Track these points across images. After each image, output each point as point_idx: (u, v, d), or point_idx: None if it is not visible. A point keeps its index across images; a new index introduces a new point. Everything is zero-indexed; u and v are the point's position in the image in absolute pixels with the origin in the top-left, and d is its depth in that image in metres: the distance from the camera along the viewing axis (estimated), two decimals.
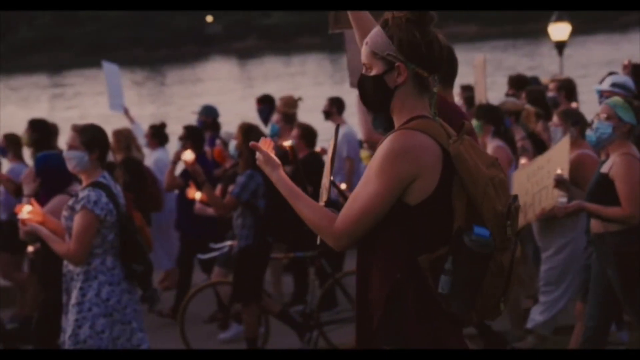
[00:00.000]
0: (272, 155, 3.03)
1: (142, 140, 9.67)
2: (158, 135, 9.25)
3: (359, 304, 2.90)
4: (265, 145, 3.08)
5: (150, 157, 9.38)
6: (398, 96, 2.88)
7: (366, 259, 2.88)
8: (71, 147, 5.08)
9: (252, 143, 3.10)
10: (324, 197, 3.04)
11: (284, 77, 43.86)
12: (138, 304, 5.26)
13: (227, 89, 38.11)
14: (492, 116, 7.07)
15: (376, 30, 2.90)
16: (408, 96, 2.88)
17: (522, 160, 6.78)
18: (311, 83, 38.55)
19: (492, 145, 6.98)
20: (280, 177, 2.98)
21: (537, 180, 6.18)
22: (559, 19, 18.59)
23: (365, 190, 2.79)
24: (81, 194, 5.06)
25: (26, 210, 5.15)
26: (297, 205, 2.91)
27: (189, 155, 6.92)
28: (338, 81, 41.87)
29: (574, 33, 19.54)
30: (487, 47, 44.25)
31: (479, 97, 8.12)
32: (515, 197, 2.85)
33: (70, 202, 5.11)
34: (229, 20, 67.73)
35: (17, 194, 7.97)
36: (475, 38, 54.51)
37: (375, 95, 2.91)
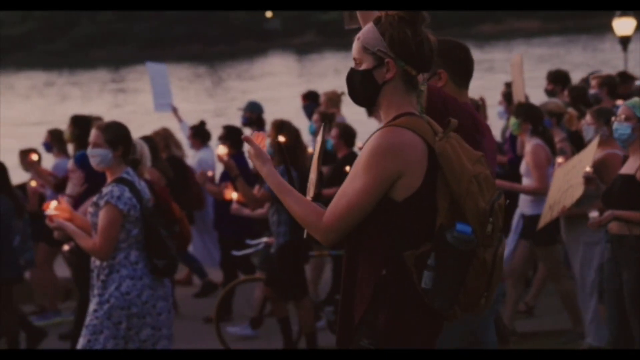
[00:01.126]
0: (263, 149, 3.08)
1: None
2: (199, 134, 9.29)
3: (344, 299, 2.94)
4: (258, 140, 3.13)
5: (194, 158, 9.43)
6: (385, 92, 2.94)
7: (353, 254, 2.92)
8: (95, 144, 5.18)
9: (244, 136, 3.17)
10: (310, 192, 3.08)
11: (343, 72, 43.77)
12: (163, 300, 5.31)
13: (285, 85, 38.18)
14: (531, 115, 7.05)
15: (369, 27, 2.96)
16: (395, 92, 2.94)
17: (559, 160, 6.75)
18: None
19: (530, 144, 6.97)
20: (270, 172, 3.02)
21: (568, 178, 6.24)
22: (624, 13, 18.25)
23: (352, 186, 2.85)
24: (105, 190, 5.16)
25: (53, 207, 5.23)
26: (286, 200, 2.96)
27: (222, 150, 7.03)
28: None
29: (639, 28, 19.15)
30: (548, 43, 43.78)
31: (517, 96, 8.07)
32: (500, 194, 2.89)
33: (95, 199, 5.21)
34: (288, 15, 67.86)
35: (58, 188, 8.05)
36: (537, 34, 53.87)
37: (363, 90, 2.97)
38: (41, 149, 9.14)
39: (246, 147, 3.18)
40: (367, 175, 2.82)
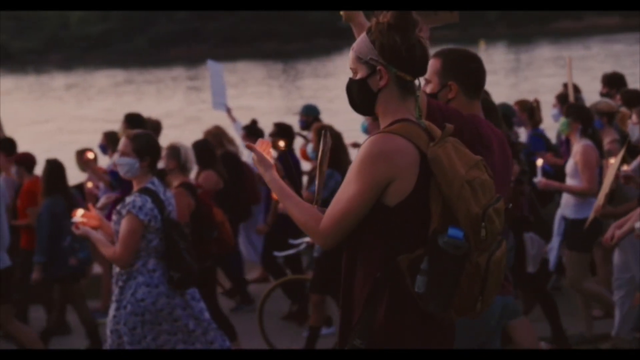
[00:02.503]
0: (266, 155, 3.16)
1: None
2: (252, 133, 9.30)
3: (343, 301, 3.01)
4: (263, 146, 3.21)
5: (248, 158, 9.44)
6: (381, 99, 3.00)
7: (351, 257, 2.99)
8: (123, 153, 5.26)
9: (247, 144, 3.28)
10: (317, 198, 3.18)
11: None
12: (181, 309, 5.38)
13: None
14: (581, 115, 7.00)
15: (362, 36, 3.02)
16: (391, 99, 2.99)
17: (611, 160, 6.65)
18: None
19: (580, 144, 6.91)
20: (273, 177, 3.11)
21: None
22: None
23: (346, 191, 2.92)
24: (128, 199, 5.25)
25: (79, 214, 5.29)
26: (287, 204, 3.06)
27: (282, 143, 6.94)
28: None
29: None
30: (630, 39, 42.69)
31: (570, 97, 7.94)
32: (499, 198, 2.91)
33: (118, 207, 5.30)
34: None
35: (114, 188, 8.17)
36: (617, 30, 52.74)
37: (360, 99, 3.04)
38: (98, 151, 9.24)
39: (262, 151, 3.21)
40: (359, 181, 2.88)
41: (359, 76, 3.03)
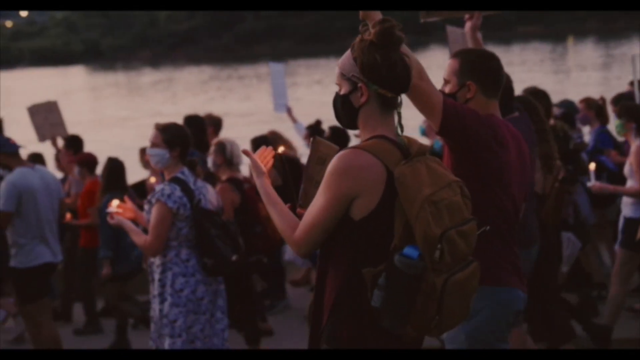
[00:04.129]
0: (260, 163, 3.30)
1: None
2: (316, 133, 9.26)
3: (315, 307, 3.09)
4: (266, 153, 3.37)
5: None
6: (362, 115, 3.06)
7: (323, 266, 3.07)
8: (153, 144, 5.35)
9: (243, 149, 3.43)
10: (301, 201, 3.27)
11: (504, 66, 42.84)
12: (218, 296, 5.46)
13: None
14: (634, 115, 6.87)
15: (346, 53, 3.08)
16: (371, 115, 3.04)
17: None
18: (523, 70, 37.44)
19: (635, 144, 6.78)
20: (262, 184, 3.23)
21: None
22: None
23: (316, 203, 3.00)
24: (157, 188, 5.33)
25: (115, 205, 5.39)
26: (270, 211, 3.16)
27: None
28: (557, 70, 40.57)
29: None
30: None
31: (635, 97, 7.74)
32: (468, 221, 2.93)
33: (149, 197, 5.38)
34: None
35: None
36: None
37: (343, 113, 3.11)
38: None
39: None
40: (326, 194, 2.96)
41: (342, 92, 3.09)
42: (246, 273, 6.96)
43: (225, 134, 8.65)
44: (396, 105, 3.05)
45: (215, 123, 8.74)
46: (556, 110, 7.96)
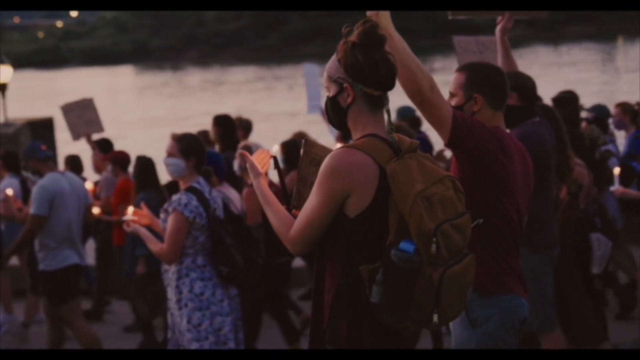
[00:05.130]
0: (257, 164, 3.37)
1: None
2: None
3: (314, 306, 3.15)
4: (262, 155, 3.44)
5: None
6: (351, 115, 3.14)
7: (320, 264, 3.13)
8: (170, 154, 5.44)
9: (240, 151, 3.51)
10: (294, 203, 3.33)
11: (550, 67, 42.51)
12: (235, 300, 5.53)
13: None
14: None
15: (333, 56, 3.16)
16: (360, 114, 3.13)
17: None
18: (572, 71, 37.05)
19: None
20: (259, 185, 3.31)
21: None
22: None
23: (310, 202, 3.08)
24: (174, 198, 5.42)
25: (131, 212, 5.49)
26: (266, 211, 3.23)
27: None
28: (604, 70, 40.08)
29: None
30: None
31: None
32: (461, 214, 2.99)
33: (165, 205, 5.47)
34: None
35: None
36: None
37: (333, 115, 3.20)
38: None
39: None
40: (319, 193, 3.04)
41: (330, 94, 3.18)
42: (274, 275, 6.98)
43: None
44: (384, 104, 3.13)
45: (245, 126, 8.78)
46: (587, 115, 7.92)
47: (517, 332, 3.90)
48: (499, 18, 5.35)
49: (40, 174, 7.23)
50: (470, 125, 3.72)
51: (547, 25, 64.38)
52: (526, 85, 5.08)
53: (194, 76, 61.54)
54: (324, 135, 11.12)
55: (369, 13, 3.54)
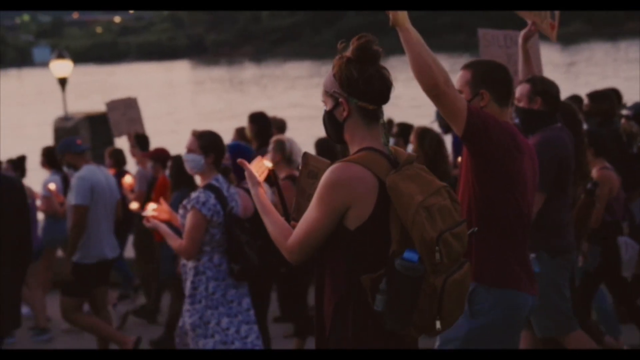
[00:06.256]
0: (255, 173, 3.43)
1: None
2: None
3: (317, 314, 3.22)
4: (260, 164, 3.50)
5: None
6: (347, 128, 3.20)
7: (321, 274, 3.20)
8: (190, 150, 5.49)
9: (239, 160, 3.53)
10: (294, 214, 3.38)
11: (608, 63, 41.92)
12: (248, 297, 5.58)
13: (547, 75, 36.90)
14: None
15: (329, 71, 3.23)
16: (356, 128, 3.18)
17: None
18: (631, 68, 36.44)
19: None
20: (257, 193, 3.38)
21: None
22: None
23: (309, 214, 3.14)
24: (193, 195, 5.48)
25: (151, 208, 5.55)
26: (265, 219, 3.31)
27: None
28: None
29: None
30: None
31: None
32: (460, 223, 3.06)
33: (184, 202, 5.52)
34: None
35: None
36: None
37: (330, 128, 3.26)
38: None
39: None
40: (319, 207, 3.10)
41: (327, 108, 3.24)
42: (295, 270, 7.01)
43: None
44: (379, 117, 3.18)
45: (278, 126, 8.82)
46: (627, 112, 7.82)
47: (519, 329, 3.95)
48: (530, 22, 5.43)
49: (75, 168, 7.39)
50: (485, 119, 3.79)
51: (607, 20, 63.47)
52: (551, 91, 5.06)
53: (249, 71, 61.88)
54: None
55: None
